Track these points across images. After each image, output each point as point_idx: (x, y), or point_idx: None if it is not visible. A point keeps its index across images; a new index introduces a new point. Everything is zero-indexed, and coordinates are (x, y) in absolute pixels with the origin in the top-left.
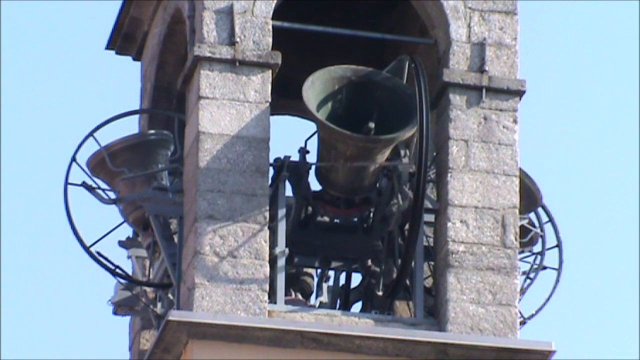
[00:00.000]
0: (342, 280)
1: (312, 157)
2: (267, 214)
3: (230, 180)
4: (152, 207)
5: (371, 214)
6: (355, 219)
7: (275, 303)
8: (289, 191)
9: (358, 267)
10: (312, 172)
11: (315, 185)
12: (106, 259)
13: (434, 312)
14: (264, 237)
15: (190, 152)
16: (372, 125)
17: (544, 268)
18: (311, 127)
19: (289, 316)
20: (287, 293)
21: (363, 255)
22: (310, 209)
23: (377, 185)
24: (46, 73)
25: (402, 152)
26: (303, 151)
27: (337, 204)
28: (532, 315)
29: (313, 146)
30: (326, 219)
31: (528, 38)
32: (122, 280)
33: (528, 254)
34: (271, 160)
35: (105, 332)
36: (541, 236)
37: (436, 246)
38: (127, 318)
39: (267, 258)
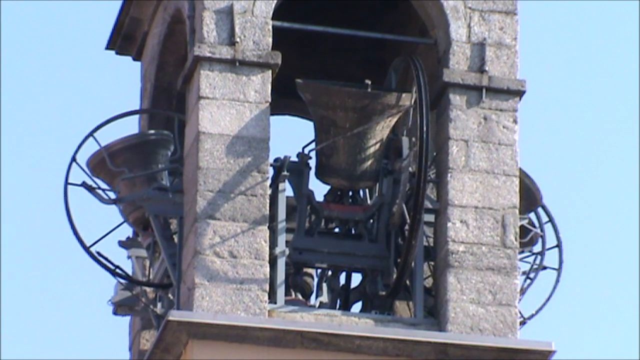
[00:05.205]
0: (342, 280)
1: (311, 162)
2: (267, 214)
3: (230, 180)
4: (152, 207)
5: (375, 221)
6: (360, 225)
7: (275, 303)
8: (289, 191)
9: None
10: (312, 173)
11: (315, 186)
12: (106, 259)
13: (434, 312)
14: (264, 237)
15: (190, 152)
16: (368, 82)
17: (544, 268)
18: (310, 128)
19: (289, 316)
20: (287, 293)
21: (370, 262)
22: (314, 217)
23: (378, 184)
24: (46, 73)
25: (403, 153)
26: (302, 156)
27: (341, 200)
28: (532, 315)
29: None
30: (332, 224)
31: (528, 38)
32: (122, 280)
33: (528, 254)
34: (271, 160)
35: (105, 332)
36: (541, 236)
37: (436, 246)
38: (127, 318)
39: (267, 258)
